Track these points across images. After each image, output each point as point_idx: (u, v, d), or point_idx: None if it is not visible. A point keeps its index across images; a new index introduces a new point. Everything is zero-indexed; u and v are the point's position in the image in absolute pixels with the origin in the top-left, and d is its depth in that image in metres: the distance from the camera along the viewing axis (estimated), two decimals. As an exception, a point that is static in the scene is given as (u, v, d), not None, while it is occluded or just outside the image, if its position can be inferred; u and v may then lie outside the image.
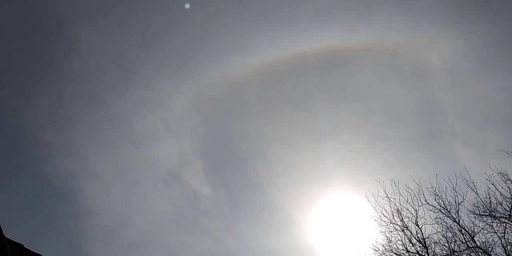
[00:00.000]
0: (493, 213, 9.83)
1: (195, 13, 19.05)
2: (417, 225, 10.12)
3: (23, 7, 19.31)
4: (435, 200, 10.20)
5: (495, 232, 9.76)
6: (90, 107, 20.23)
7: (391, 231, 10.25)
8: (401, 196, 10.33)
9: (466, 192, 10.08)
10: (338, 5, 18.23)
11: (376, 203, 10.53)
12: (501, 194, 9.97)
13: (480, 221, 9.92)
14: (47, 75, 20.75)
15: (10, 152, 18.69)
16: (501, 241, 9.63)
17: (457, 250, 9.75)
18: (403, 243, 10.08)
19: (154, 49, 20.03)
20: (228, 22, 18.57)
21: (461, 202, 10.07)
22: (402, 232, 10.17)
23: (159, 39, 19.84)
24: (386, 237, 10.31)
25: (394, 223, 10.28)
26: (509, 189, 9.94)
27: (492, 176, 10.17)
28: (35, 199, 18.80)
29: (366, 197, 10.69)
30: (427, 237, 10.05)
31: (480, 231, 9.78)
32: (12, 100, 19.43)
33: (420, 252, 9.94)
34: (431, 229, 10.05)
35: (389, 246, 10.19)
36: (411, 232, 10.14)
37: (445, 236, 9.93)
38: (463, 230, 9.83)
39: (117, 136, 20.01)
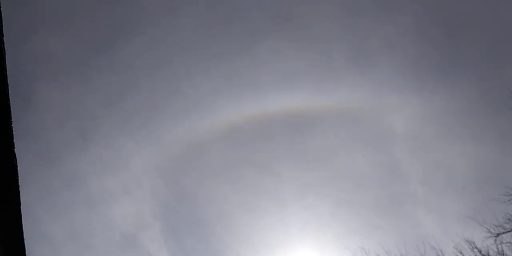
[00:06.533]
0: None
1: (162, 72, 19.01)
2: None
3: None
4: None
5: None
6: (45, 166, 19.36)
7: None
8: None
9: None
10: (303, 71, 18.66)
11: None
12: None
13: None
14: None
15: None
16: None
17: None
18: None
19: (117, 107, 19.64)
20: (195, 82, 18.58)
21: (432, 271, 9.95)
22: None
23: (123, 97, 19.54)
24: None
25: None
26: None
27: (459, 244, 10.19)
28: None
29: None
30: None
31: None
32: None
33: None
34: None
35: None
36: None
37: None
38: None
39: (72, 196, 19.07)
